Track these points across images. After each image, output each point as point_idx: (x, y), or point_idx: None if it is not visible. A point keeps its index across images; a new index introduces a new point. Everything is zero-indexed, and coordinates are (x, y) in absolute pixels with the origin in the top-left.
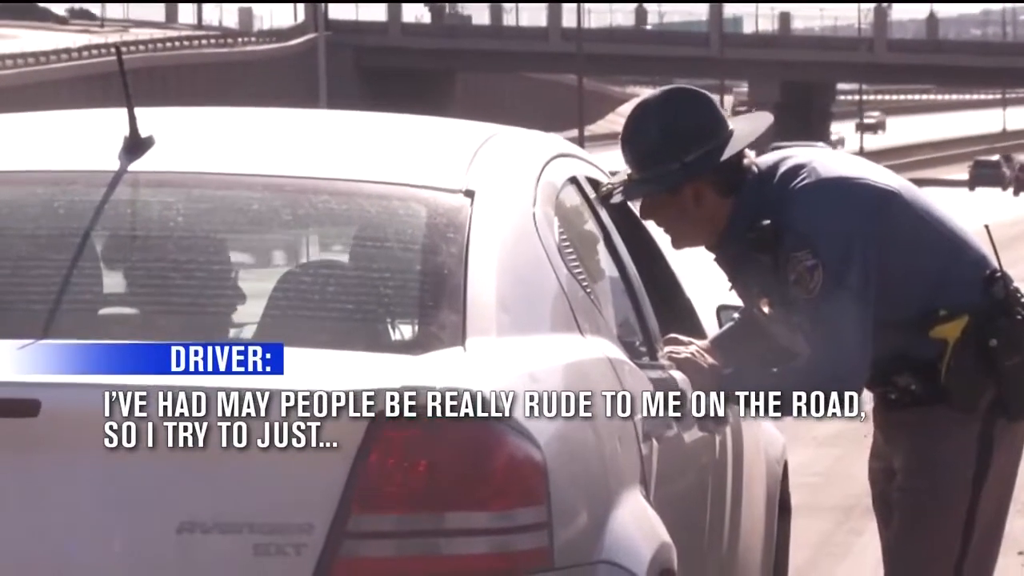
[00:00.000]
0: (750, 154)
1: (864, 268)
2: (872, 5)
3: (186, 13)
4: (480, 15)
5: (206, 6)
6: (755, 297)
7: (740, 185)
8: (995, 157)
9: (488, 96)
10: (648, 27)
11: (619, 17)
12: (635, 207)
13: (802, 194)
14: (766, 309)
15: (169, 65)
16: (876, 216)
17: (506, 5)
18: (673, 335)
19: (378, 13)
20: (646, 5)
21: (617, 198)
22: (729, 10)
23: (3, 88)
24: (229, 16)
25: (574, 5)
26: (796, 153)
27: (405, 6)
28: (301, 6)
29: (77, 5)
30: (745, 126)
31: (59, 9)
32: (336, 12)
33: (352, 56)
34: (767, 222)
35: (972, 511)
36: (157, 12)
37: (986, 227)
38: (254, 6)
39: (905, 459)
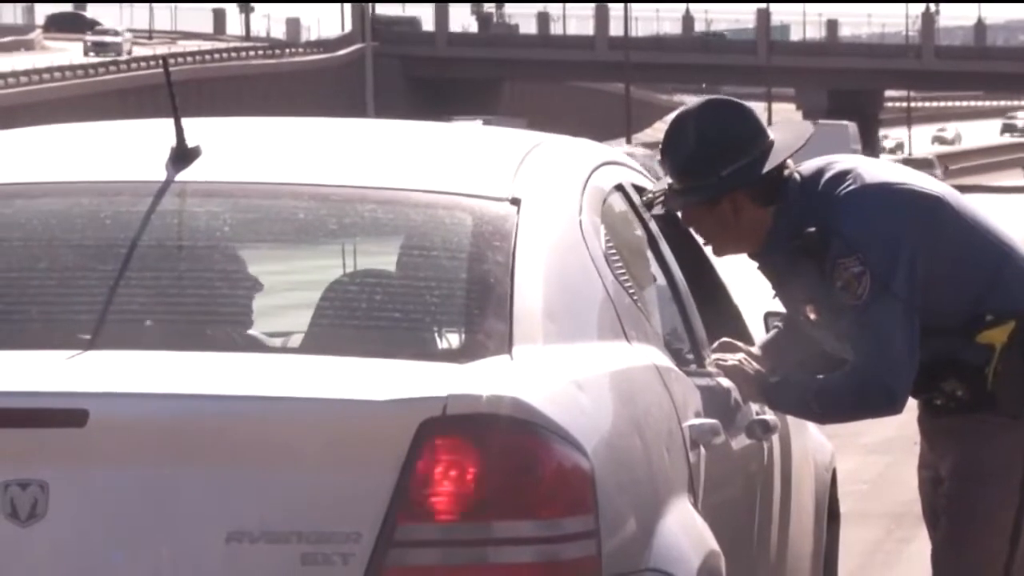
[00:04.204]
0: (790, 162)
1: (911, 274)
2: (920, 11)
3: (234, 24)
4: (527, 24)
5: (254, 16)
6: (800, 304)
7: (780, 195)
8: None
9: (535, 105)
10: (695, 34)
11: (666, 25)
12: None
13: (848, 200)
14: (811, 316)
15: (217, 76)
16: (922, 222)
17: (553, 14)
18: (726, 339)
19: (425, 23)
20: (693, 12)
21: (658, 209)
22: (776, 17)
23: (52, 100)
24: (277, 27)
25: (621, 14)
26: (839, 160)
27: (452, 16)
28: (349, 16)
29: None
30: (785, 137)
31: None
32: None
33: (399, 66)
34: (813, 229)
35: (1020, 517)
36: (205, 23)
37: None
38: (302, 16)
39: (951, 465)
